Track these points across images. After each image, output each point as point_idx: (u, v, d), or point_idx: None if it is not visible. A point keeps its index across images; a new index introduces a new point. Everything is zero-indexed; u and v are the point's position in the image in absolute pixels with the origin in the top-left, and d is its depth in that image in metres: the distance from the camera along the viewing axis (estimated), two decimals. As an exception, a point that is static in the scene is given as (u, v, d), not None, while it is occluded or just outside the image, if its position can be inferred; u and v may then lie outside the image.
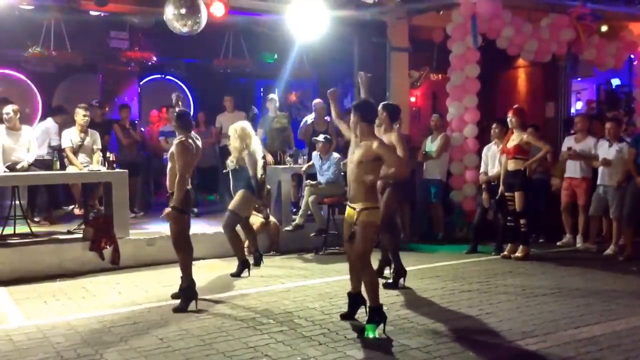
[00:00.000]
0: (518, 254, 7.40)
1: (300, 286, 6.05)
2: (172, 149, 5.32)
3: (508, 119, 7.48)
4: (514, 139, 7.37)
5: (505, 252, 7.52)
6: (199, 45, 9.55)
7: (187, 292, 5.31)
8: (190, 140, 5.35)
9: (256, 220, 7.66)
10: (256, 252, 7.02)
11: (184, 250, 5.37)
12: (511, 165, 7.37)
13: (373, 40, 9.52)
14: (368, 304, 4.65)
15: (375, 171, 4.59)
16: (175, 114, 5.59)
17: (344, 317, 4.93)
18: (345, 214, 4.78)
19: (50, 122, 8.53)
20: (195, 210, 9.25)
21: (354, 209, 4.62)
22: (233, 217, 6.64)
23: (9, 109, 7.39)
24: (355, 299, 4.91)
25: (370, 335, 4.45)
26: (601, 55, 9.81)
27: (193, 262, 5.54)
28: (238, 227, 6.80)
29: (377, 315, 4.58)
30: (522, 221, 7.37)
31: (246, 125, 6.81)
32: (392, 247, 6.13)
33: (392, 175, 4.75)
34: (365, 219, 4.55)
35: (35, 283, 6.23)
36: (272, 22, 8.83)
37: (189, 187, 5.39)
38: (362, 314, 4.87)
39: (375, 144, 4.54)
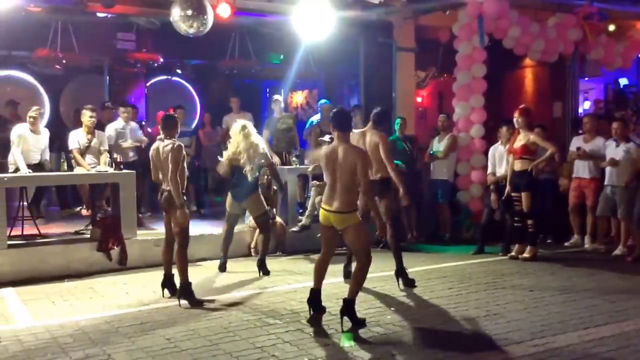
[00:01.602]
0: (526, 255, 7.37)
1: (306, 287, 5.99)
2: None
3: (514, 119, 7.46)
4: (521, 139, 7.34)
5: (513, 253, 7.49)
6: (205, 47, 9.57)
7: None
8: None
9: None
10: (262, 256, 6.81)
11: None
12: (518, 166, 7.34)
13: (379, 40, 9.51)
14: (345, 297, 4.78)
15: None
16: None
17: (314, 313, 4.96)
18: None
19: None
20: (202, 211, 9.29)
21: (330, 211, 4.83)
22: (267, 218, 6.88)
23: (36, 111, 7.49)
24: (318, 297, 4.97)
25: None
26: (609, 54, 9.77)
27: (200, 263, 5.60)
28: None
29: (351, 308, 4.75)
30: (529, 222, 7.34)
31: (248, 123, 6.75)
32: (395, 247, 6.14)
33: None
34: (354, 222, 4.79)
35: (43, 283, 6.26)
36: (278, 23, 8.82)
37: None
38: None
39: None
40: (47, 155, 7.62)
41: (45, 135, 7.64)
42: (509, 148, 7.53)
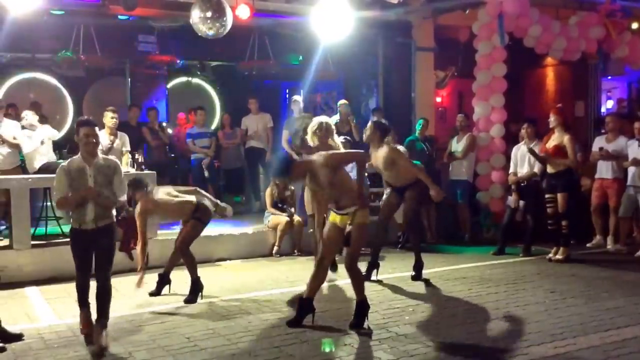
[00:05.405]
0: (559, 257, 7.22)
1: (324, 287, 6.05)
2: None
3: (550, 119, 7.32)
4: (554, 139, 7.21)
5: (551, 255, 7.34)
6: (225, 48, 9.63)
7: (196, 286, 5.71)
8: None
9: (281, 220, 7.69)
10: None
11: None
12: (550, 168, 7.22)
13: (398, 40, 9.49)
14: (356, 298, 4.78)
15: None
16: None
17: (291, 324, 4.83)
18: (339, 220, 4.78)
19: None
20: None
21: (346, 214, 4.73)
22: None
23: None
24: (309, 305, 4.86)
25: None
26: (634, 52, 9.61)
27: (219, 263, 5.61)
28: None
29: (365, 306, 4.76)
30: (563, 223, 7.21)
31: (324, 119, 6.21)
32: (417, 244, 6.54)
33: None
34: (361, 221, 4.72)
35: (66, 283, 6.31)
36: (297, 24, 8.85)
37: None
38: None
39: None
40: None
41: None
42: (541, 148, 7.39)
